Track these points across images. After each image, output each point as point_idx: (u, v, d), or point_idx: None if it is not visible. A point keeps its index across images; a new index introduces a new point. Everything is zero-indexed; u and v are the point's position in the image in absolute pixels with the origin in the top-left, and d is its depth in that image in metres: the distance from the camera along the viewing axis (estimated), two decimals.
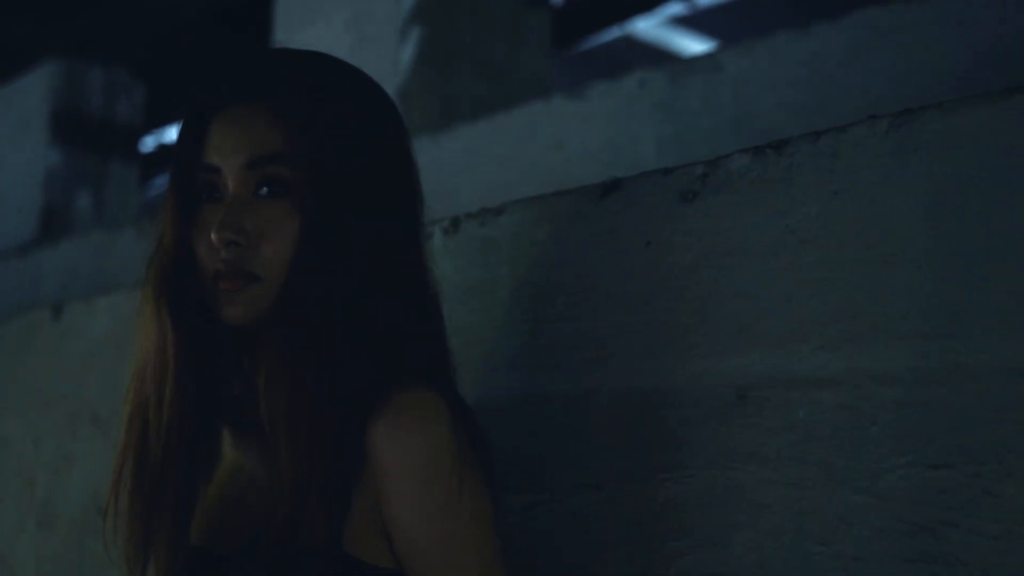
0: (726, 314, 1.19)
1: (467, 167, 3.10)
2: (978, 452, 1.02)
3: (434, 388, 1.10)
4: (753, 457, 1.15)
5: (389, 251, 1.14)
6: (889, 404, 1.07)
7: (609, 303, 1.29)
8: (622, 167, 1.94)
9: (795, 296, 1.15)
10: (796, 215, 1.15)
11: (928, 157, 1.08)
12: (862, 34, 2.45)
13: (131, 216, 5.00)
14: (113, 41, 5.26)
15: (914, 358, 1.06)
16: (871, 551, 1.07)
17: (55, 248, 4.44)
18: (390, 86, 3.38)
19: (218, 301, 1.12)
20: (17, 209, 4.98)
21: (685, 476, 1.20)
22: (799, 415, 1.13)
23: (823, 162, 1.15)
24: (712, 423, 1.19)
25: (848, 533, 1.08)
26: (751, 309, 1.18)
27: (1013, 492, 0.99)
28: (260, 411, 1.09)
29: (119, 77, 5.18)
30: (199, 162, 1.13)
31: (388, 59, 3.57)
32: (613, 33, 7.20)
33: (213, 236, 1.10)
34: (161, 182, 7.38)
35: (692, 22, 7.45)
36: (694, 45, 7.43)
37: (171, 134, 7.30)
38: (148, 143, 7.29)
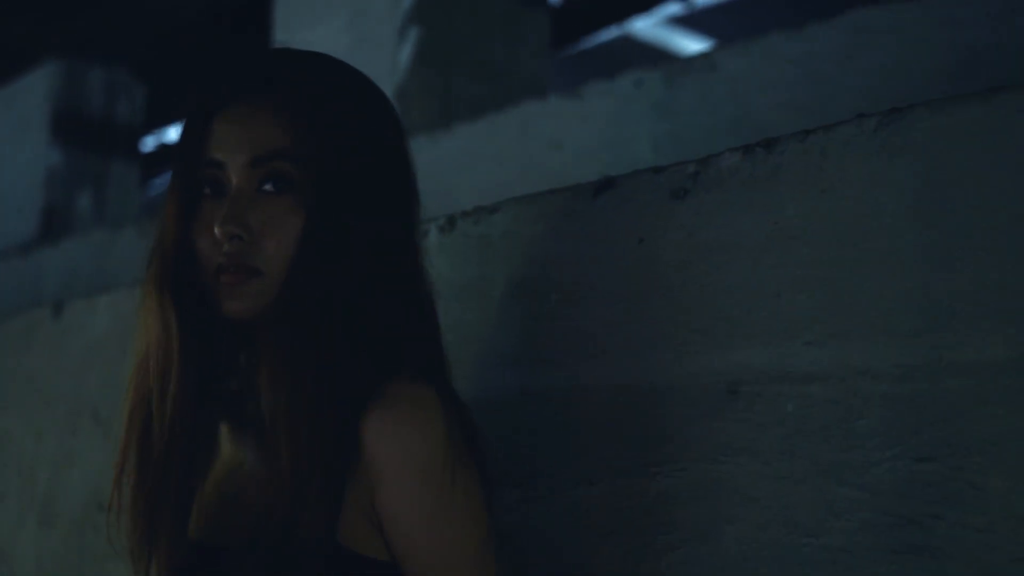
0: (717, 310, 1.20)
1: (465, 166, 3.11)
2: (962, 445, 1.03)
3: (429, 384, 1.11)
4: (744, 451, 1.17)
5: (388, 251, 1.15)
6: (876, 399, 1.08)
7: (602, 300, 1.30)
8: (619, 166, 1.95)
9: (785, 292, 1.16)
10: (785, 212, 1.17)
11: (916, 155, 1.08)
12: (857, 34, 2.46)
13: (132, 216, 5.00)
14: (113, 41, 5.27)
15: (901, 354, 1.07)
16: (859, 543, 1.08)
17: (56, 248, 4.45)
18: (389, 86, 3.40)
19: (219, 295, 1.12)
20: (18, 209, 4.99)
21: (677, 470, 1.22)
22: (789, 410, 1.14)
23: (812, 160, 1.15)
24: (704, 418, 1.20)
25: (836, 525, 1.10)
26: (742, 305, 1.19)
27: (996, 484, 1.00)
28: (259, 407, 1.10)
29: (119, 77, 5.18)
30: (203, 157, 1.14)
31: (387, 59, 3.58)
32: (611, 33, 7.19)
33: (216, 229, 1.11)
34: (162, 182, 7.39)
35: (690, 22, 7.44)
36: (692, 45, 7.42)
37: (172, 134, 7.31)
38: (149, 143, 7.28)
